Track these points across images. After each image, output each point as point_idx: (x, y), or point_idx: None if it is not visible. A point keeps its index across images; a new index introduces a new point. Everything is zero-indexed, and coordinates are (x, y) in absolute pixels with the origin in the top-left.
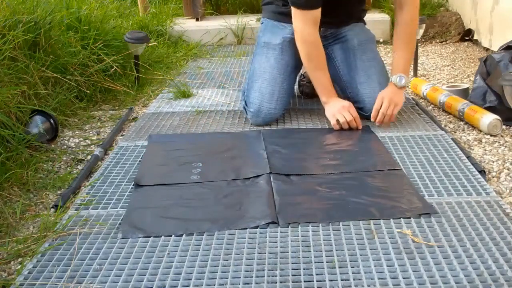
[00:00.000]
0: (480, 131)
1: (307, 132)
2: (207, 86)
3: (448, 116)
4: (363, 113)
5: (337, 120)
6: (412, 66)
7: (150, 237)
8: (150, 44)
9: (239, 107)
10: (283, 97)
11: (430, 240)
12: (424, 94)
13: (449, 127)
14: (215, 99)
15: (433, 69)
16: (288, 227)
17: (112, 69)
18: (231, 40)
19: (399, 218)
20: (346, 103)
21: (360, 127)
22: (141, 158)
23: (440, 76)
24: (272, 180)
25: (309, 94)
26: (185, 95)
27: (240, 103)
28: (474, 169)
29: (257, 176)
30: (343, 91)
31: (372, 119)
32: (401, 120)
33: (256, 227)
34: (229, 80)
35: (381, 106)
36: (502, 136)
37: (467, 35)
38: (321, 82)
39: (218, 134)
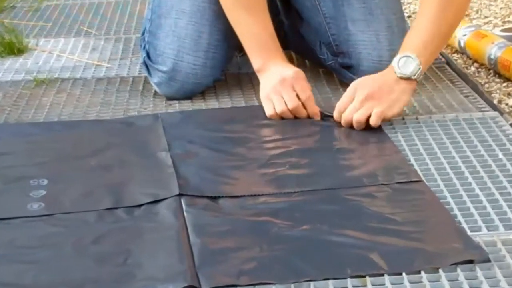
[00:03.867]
0: None
1: (243, 113)
2: (56, 34)
3: (505, 84)
4: (354, 77)
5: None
6: None
7: None
8: None
9: (119, 70)
10: (217, 46)
11: None
12: (462, 45)
13: (506, 104)
14: (71, 57)
15: None
16: None
17: None
18: None
19: (419, 271)
20: (291, 71)
21: (317, 116)
22: None
23: (490, 11)
24: (184, 207)
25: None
26: (13, 50)
27: (140, 56)
28: None
29: (156, 202)
30: (319, 33)
31: (334, 118)
32: (420, 93)
33: None
34: (98, 21)
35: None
36: None
37: None
38: (252, 32)
39: (79, 124)
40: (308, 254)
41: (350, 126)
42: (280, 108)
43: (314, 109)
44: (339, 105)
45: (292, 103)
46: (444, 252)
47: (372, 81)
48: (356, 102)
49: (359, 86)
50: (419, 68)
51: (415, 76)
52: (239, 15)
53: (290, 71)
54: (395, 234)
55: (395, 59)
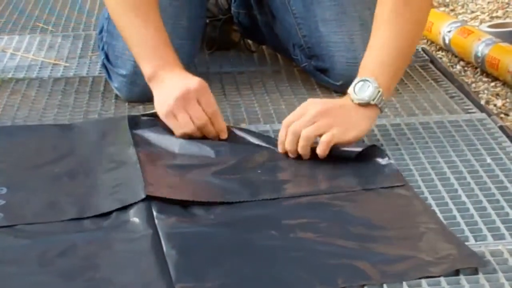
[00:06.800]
0: None
1: None
2: (9, 30)
3: (493, 84)
4: (330, 80)
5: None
6: None
7: None
8: None
9: (78, 70)
10: (181, 45)
11: None
12: (447, 42)
13: (494, 105)
14: (26, 55)
15: None
16: None
17: None
18: None
19: (402, 283)
20: (194, 82)
21: (225, 134)
22: None
23: (477, 5)
24: (155, 214)
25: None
26: None
27: (99, 57)
28: None
29: (125, 209)
30: (290, 34)
31: (279, 137)
32: (402, 94)
33: None
34: (55, 16)
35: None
36: None
37: None
38: (140, 36)
39: (38, 128)
40: (294, 265)
41: (295, 154)
42: (189, 128)
43: (221, 126)
44: (285, 122)
45: (201, 121)
46: (439, 260)
47: (327, 101)
48: (307, 116)
49: (312, 103)
50: (378, 91)
51: (375, 101)
52: (126, 17)
53: (192, 81)
54: (384, 241)
55: (352, 85)
